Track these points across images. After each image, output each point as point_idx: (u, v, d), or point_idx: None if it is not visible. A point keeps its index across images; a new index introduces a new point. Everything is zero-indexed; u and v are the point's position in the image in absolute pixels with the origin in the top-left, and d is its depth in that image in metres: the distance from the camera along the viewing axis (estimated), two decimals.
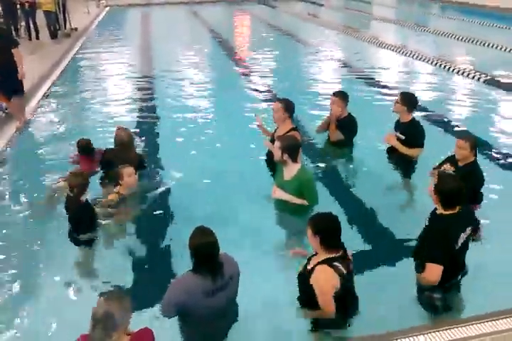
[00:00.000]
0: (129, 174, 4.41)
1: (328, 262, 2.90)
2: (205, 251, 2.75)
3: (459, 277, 3.33)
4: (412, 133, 5.08)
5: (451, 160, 4.32)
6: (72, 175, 4.13)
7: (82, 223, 4.11)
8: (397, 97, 5.20)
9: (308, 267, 2.99)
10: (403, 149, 5.13)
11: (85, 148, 5.20)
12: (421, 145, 5.12)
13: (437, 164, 4.52)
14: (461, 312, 3.49)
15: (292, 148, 4.08)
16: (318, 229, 2.90)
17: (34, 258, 4.28)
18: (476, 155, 4.22)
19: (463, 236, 3.12)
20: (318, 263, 2.93)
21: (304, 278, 2.99)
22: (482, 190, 4.30)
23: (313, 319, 3.14)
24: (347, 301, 3.00)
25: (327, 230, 2.90)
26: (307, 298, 3.00)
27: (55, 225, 4.56)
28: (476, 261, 3.45)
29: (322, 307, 2.91)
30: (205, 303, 2.77)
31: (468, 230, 3.17)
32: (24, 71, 7.30)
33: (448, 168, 4.20)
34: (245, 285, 3.10)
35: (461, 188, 3.09)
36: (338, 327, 3.10)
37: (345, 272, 2.90)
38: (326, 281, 2.86)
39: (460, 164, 4.20)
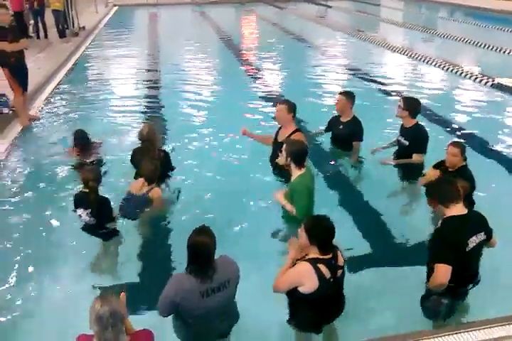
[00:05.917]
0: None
1: (311, 261, 2.92)
2: (197, 250, 2.76)
3: (471, 285, 3.28)
4: (415, 139, 5.01)
5: (440, 166, 4.32)
6: (85, 171, 4.14)
7: (108, 213, 4.17)
8: (399, 102, 5.13)
9: None
10: (402, 161, 5.16)
11: (81, 139, 5.55)
12: (423, 151, 5.04)
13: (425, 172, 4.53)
14: (466, 317, 3.47)
15: (298, 154, 3.98)
16: (311, 229, 2.94)
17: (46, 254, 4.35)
18: (466, 160, 4.21)
19: (474, 240, 3.08)
20: (303, 259, 2.98)
21: None
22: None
23: (290, 319, 3.18)
24: (320, 308, 2.99)
25: (319, 232, 2.92)
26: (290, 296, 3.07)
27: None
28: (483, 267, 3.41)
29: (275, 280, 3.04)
30: (200, 303, 2.78)
31: (481, 235, 3.13)
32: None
33: (436, 174, 4.19)
34: (247, 288, 3.13)
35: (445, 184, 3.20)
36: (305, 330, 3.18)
37: (328, 277, 2.89)
38: (297, 272, 2.93)
39: (451, 169, 4.19)
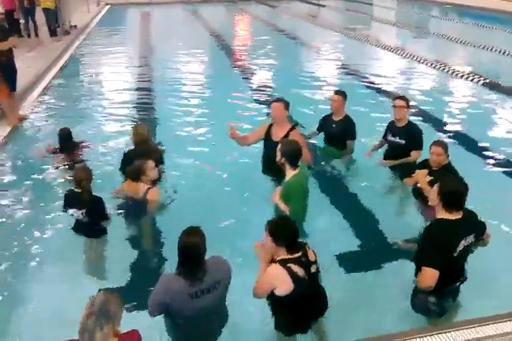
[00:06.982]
0: (151, 168, 4.33)
1: (281, 263, 2.91)
2: (187, 251, 2.75)
3: (458, 283, 3.28)
4: (411, 137, 5.02)
5: (424, 166, 4.32)
6: (78, 171, 4.11)
7: (102, 212, 4.13)
8: (396, 102, 5.09)
9: None
10: (401, 161, 5.10)
11: (64, 139, 5.55)
12: (421, 147, 5.04)
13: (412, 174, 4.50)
14: (455, 316, 3.46)
15: (292, 154, 3.95)
16: (274, 232, 2.93)
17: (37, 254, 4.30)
18: (448, 156, 4.22)
19: (462, 244, 3.07)
20: (273, 262, 2.96)
21: None
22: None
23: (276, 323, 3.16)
24: (299, 308, 2.97)
25: (283, 232, 2.93)
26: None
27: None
28: (471, 266, 3.41)
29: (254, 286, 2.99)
30: (189, 305, 2.77)
31: (470, 238, 3.12)
32: None
33: (423, 174, 4.19)
34: (239, 288, 3.11)
35: (462, 190, 3.11)
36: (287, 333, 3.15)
37: (302, 275, 2.88)
38: (269, 275, 2.91)
39: (435, 168, 4.19)
